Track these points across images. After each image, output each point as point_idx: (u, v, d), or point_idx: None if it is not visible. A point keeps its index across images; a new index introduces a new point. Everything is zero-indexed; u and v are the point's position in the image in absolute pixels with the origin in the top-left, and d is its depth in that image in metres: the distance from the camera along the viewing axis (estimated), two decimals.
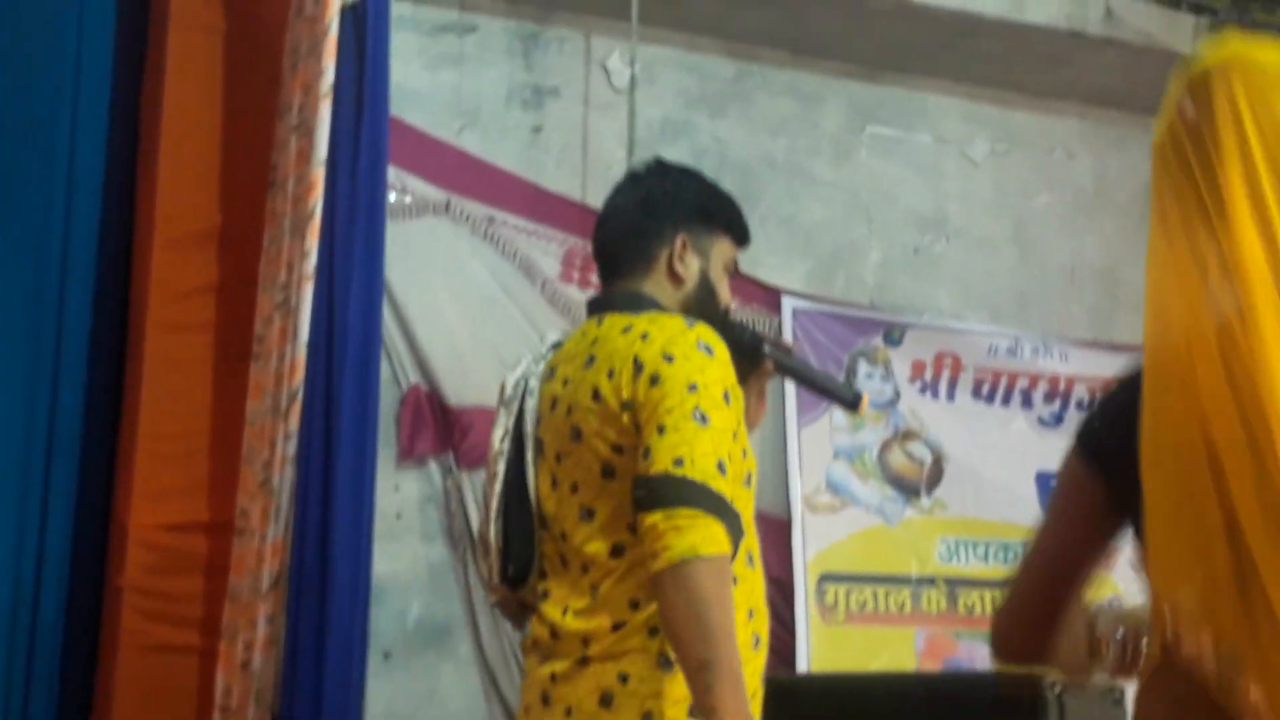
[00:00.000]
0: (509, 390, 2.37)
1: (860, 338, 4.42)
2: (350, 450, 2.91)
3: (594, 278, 3.79)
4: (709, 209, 2.38)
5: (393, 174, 3.54)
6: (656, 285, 2.32)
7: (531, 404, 2.32)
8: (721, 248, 2.38)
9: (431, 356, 3.76)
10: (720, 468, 2.05)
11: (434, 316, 3.79)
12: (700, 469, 2.04)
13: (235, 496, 3.03)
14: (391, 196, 3.58)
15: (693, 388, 2.08)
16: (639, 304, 2.28)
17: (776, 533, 4.20)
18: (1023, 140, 4.82)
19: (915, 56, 4.53)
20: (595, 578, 2.17)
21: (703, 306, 2.32)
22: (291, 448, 2.87)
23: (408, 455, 3.76)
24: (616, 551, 2.15)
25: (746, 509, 2.19)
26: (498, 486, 2.34)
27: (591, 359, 2.22)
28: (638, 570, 2.11)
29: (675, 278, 2.32)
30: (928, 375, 4.51)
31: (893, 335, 4.47)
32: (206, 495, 3.13)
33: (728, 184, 4.21)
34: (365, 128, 2.96)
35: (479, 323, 3.84)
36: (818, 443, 4.31)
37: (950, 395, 4.53)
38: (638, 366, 2.11)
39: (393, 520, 3.73)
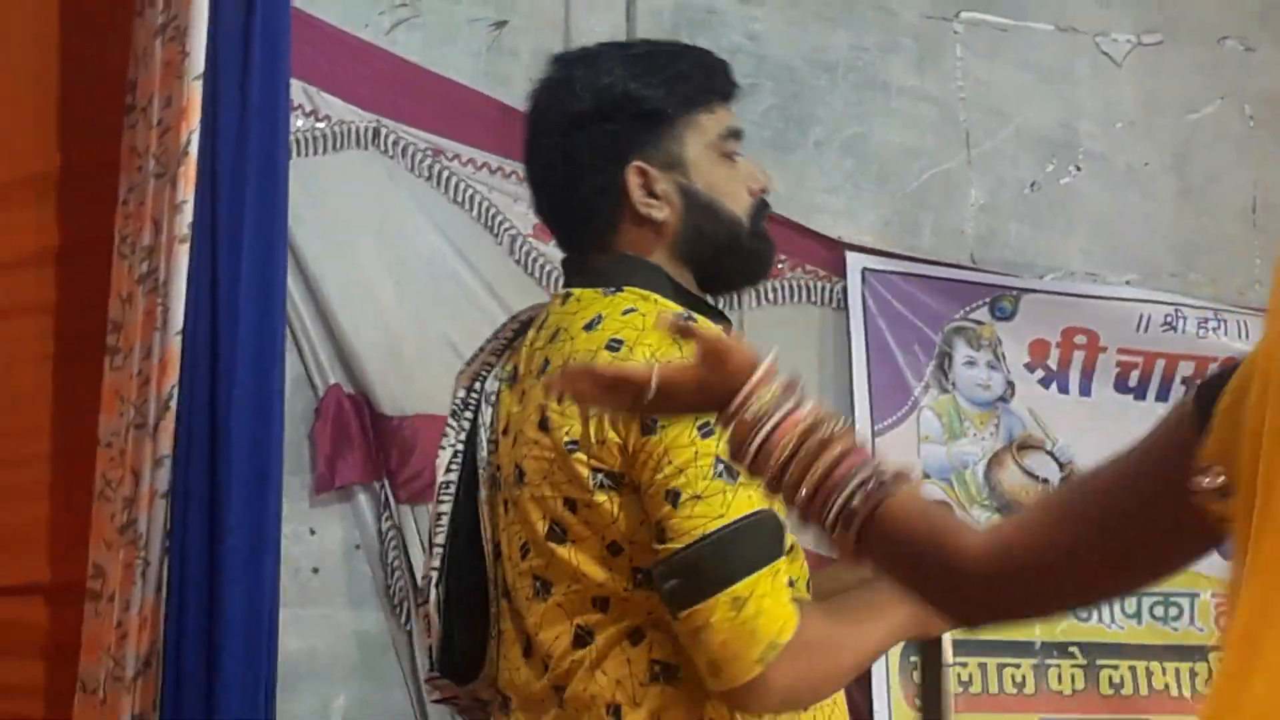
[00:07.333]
0: (460, 394, 2.38)
1: (958, 309, 4.37)
2: (245, 481, 2.91)
3: None
4: (655, 100, 2.30)
5: (299, 91, 3.56)
6: (632, 237, 2.32)
7: (488, 415, 2.32)
8: (698, 132, 2.33)
9: (357, 347, 3.69)
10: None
11: (360, 291, 3.74)
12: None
13: (86, 548, 3.04)
14: (297, 122, 3.59)
15: (706, 430, 2.06)
16: (614, 272, 2.28)
17: None
18: (1183, 28, 4.79)
19: None
20: (558, 676, 2.19)
21: (708, 233, 2.31)
22: (163, 479, 2.86)
23: (327, 486, 3.70)
24: (581, 639, 2.16)
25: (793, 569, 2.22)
26: (441, 536, 2.36)
27: (546, 364, 2.22)
28: (614, 660, 2.14)
29: (648, 224, 2.31)
30: (1052, 360, 4.49)
31: (1003, 305, 4.45)
32: (46, 547, 3.15)
33: (767, 94, 4.29)
34: (259, 27, 2.97)
35: (423, 299, 3.80)
36: (899, 456, 4.20)
37: (1084, 388, 4.51)
38: None
39: (308, 578, 3.72)
